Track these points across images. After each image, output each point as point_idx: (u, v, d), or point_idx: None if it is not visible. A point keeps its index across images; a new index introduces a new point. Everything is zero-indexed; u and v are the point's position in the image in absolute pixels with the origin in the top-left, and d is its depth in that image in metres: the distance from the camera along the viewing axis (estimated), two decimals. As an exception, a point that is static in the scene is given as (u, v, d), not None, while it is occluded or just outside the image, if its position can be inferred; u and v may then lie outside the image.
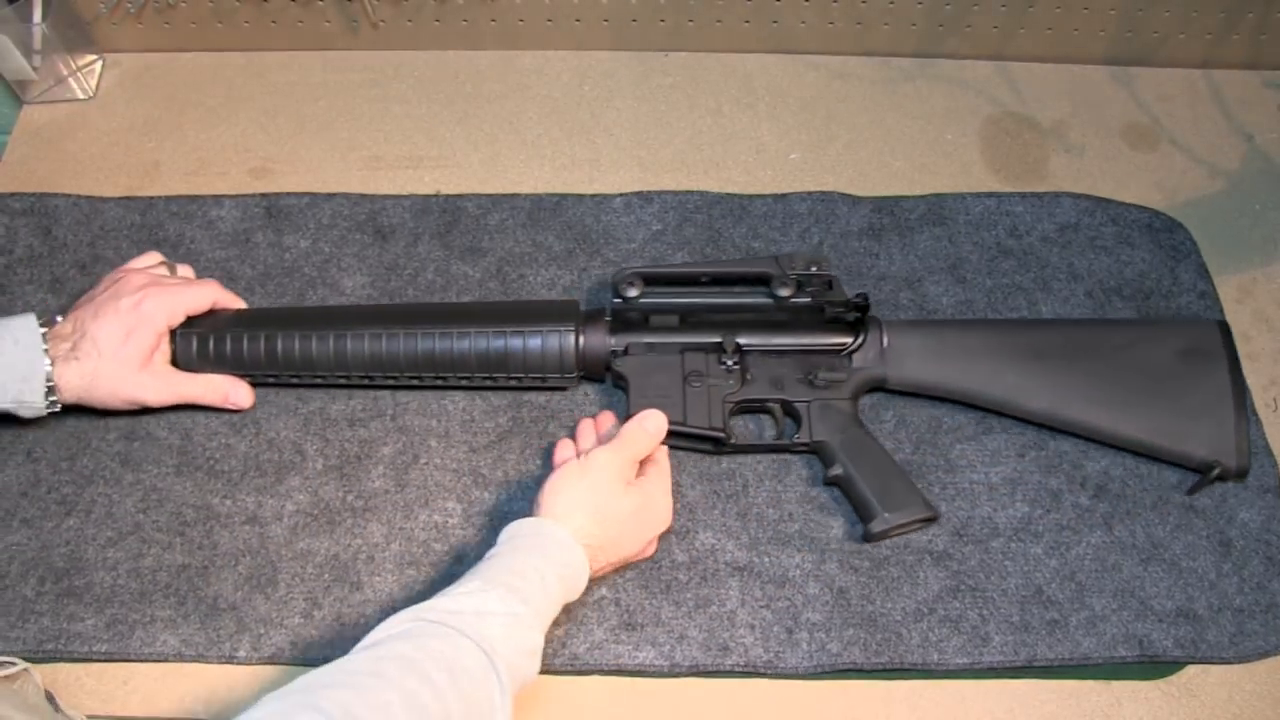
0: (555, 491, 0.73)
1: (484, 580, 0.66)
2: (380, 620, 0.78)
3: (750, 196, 0.99)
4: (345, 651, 0.75)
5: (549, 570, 0.68)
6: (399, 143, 1.04)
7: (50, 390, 0.77)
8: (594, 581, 0.75)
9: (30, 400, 0.76)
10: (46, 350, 0.76)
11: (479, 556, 0.80)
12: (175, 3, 1.04)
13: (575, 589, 0.70)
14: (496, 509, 0.82)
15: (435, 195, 0.98)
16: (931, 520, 0.81)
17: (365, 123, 1.05)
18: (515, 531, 0.71)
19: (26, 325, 0.76)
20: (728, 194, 0.99)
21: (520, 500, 0.83)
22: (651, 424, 0.78)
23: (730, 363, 0.82)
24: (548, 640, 0.77)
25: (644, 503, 0.74)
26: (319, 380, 0.84)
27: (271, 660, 0.77)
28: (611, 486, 0.73)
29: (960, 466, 0.85)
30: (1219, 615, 0.79)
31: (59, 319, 0.79)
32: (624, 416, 0.81)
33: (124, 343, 0.78)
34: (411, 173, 1.02)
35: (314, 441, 0.85)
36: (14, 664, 0.72)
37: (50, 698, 0.73)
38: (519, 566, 0.68)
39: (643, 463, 0.78)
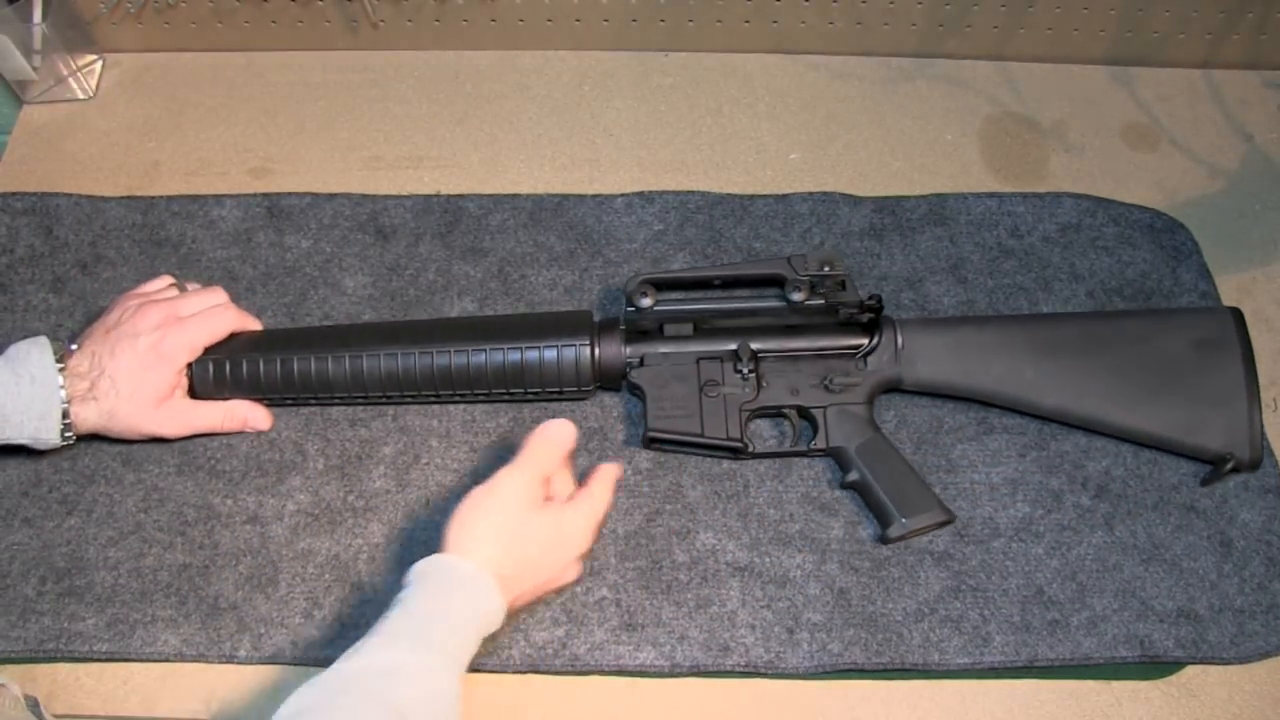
0: (460, 523, 0.69)
1: (389, 634, 0.63)
2: (374, 616, 0.78)
3: (751, 197, 0.99)
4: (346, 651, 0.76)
5: (459, 609, 0.65)
6: (399, 143, 1.04)
7: (67, 428, 0.76)
8: (516, 612, 0.73)
9: (46, 438, 0.76)
10: (64, 388, 0.75)
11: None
12: (175, 3, 1.04)
13: (490, 623, 0.67)
14: (497, 509, 0.82)
15: (436, 195, 0.99)
16: (948, 523, 0.81)
17: (365, 123, 1.05)
18: (421, 571, 0.67)
19: (43, 362, 0.75)
20: (729, 194, 0.99)
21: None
22: (555, 432, 0.74)
23: (746, 370, 0.82)
24: (548, 640, 0.77)
25: (557, 524, 0.71)
26: (337, 400, 0.85)
27: (272, 660, 0.77)
28: (519, 508, 0.70)
29: (961, 467, 0.85)
30: (1220, 616, 0.79)
31: (72, 347, 0.78)
32: (644, 428, 0.82)
33: (143, 382, 0.78)
34: (411, 173, 1.02)
35: (315, 441, 0.85)
36: None
37: (34, 704, 0.73)
38: (426, 609, 0.64)
39: (581, 489, 0.74)
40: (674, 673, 0.77)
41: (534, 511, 0.70)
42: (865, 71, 1.10)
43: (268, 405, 0.85)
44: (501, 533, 0.69)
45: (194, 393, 0.83)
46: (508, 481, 0.70)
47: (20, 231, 0.95)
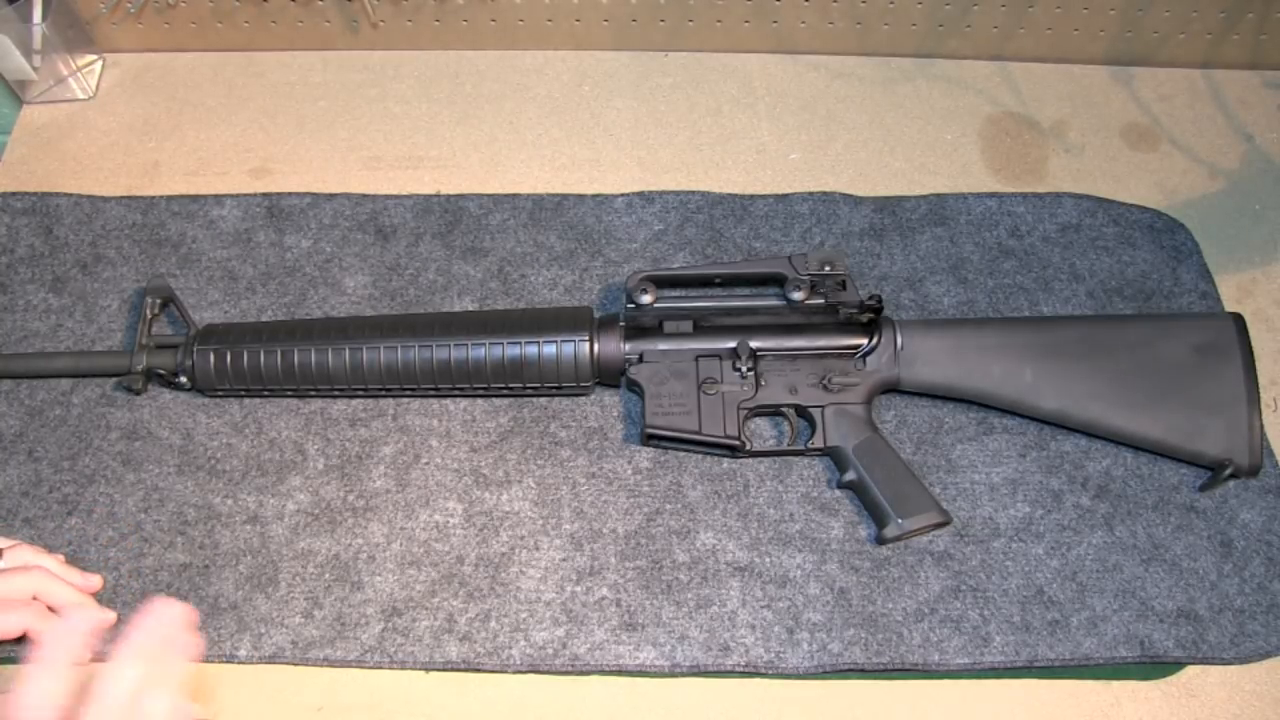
0: None
1: None
2: (379, 618, 0.78)
3: (751, 197, 0.99)
4: (345, 651, 0.76)
5: None
6: (399, 143, 1.04)
7: None
8: None
9: None
10: None
11: (480, 557, 0.80)
12: (175, 3, 1.04)
13: None
14: (497, 509, 0.83)
15: (436, 195, 0.99)
16: (945, 525, 0.81)
17: (365, 123, 1.05)
18: None
19: None
20: (729, 194, 0.99)
21: (521, 500, 0.83)
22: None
23: (745, 368, 0.82)
24: (548, 640, 0.77)
25: None
26: (337, 393, 0.85)
27: (272, 660, 0.77)
28: None
29: (961, 467, 0.85)
30: (1220, 616, 0.79)
31: None
32: (642, 424, 0.82)
33: None
34: (411, 173, 1.02)
35: (315, 441, 0.85)
36: None
37: None
38: None
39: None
40: (674, 673, 0.77)
41: None
42: (865, 71, 1.10)
43: (268, 396, 0.86)
44: None
45: (196, 385, 0.83)
46: None
47: (20, 231, 0.95)
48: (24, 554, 0.75)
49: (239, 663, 0.77)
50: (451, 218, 0.97)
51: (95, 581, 0.78)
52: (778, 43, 1.10)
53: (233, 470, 0.84)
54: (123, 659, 0.55)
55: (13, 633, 0.70)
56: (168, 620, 0.57)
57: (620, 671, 0.77)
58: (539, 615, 0.78)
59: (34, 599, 0.72)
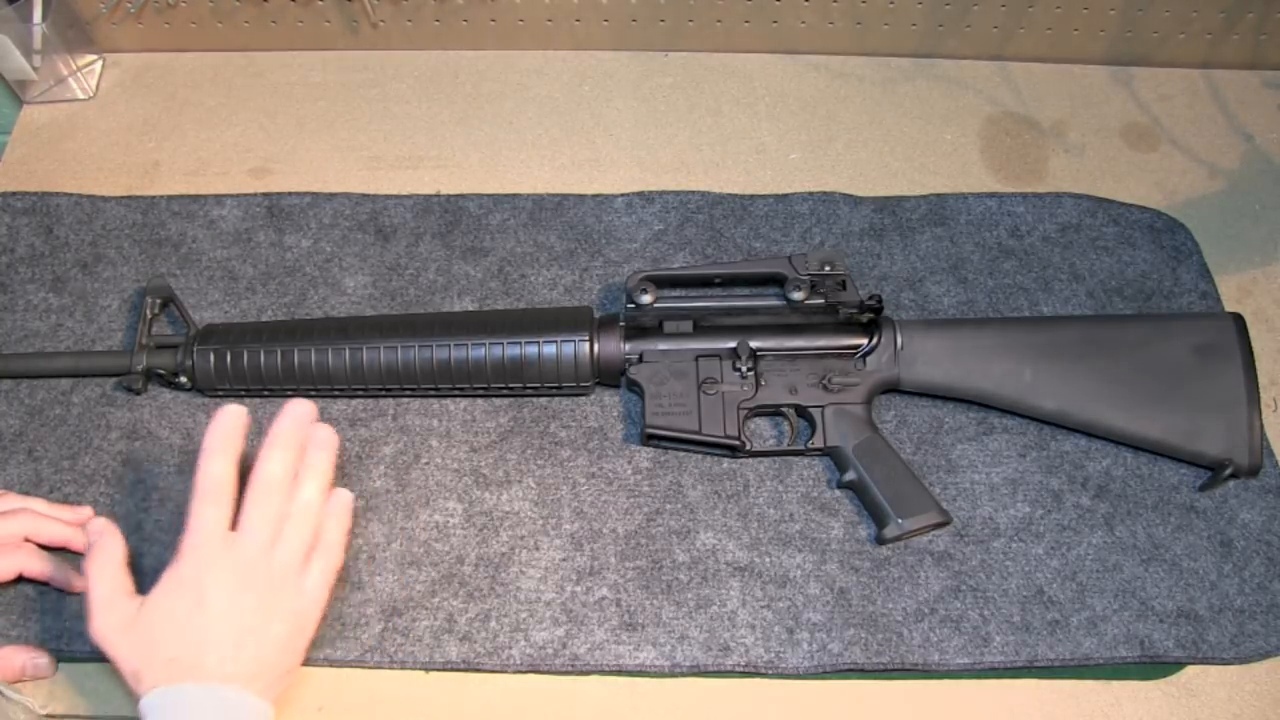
0: (180, 635, 0.60)
1: None
2: (379, 618, 0.78)
3: (751, 197, 0.99)
4: (345, 651, 0.76)
5: None
6: (399, 143, 1.04)
7: None
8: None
9: None
10: None
11: (480, 557, 0.80)
12: (175, 3, 1.04)
13: None
14: (497, 509, 0.83)
15: (436, 195, 0.99)
16: (944, 525, 0.81)
17: (365, 123, 1.05)
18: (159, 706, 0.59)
19: None
20: (729, 194, 0.99)
21: (521, 500, 0.83)
22: (215, 452, 0.64)
23: (745, 368, 0.82)
24: (548, 640, 0.77)
25: (297, 591, 0.65)
26: (337, 393, 0.85)
27: (272, 660, 0.77)
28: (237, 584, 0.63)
29: (961, 467, 0.85)
30: (1220, 616, 0.79)
31: None
32: (642, 424, 0.82)
33: None
34: (411, 173, 1.02)
35: (315, 441, 0.85)
36: None
37: None
38: None
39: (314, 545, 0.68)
40: (674, 673, 0.77)
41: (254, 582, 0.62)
42: (865, 71, 1.10)
43: (268, 396, 0.86)
44: (233, 626, 0.61)
45: (196, 385, 0.83)
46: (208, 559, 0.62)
47: (20, 231, 0.95)
48: (10, 500, 0.77)
49: (239, 663, 0.77)
50: (451, 218, 0.97)
51: (86, 511, 0.79)
52: (778, 43, 1.10)
53: (233, 470, 0.84)
54: (269, 448, 0.64)
55: (8, 575, 0.73)
56: (300, 416, 0.66)
57: (620, 671, 0.77)
58: (539, 615, 0.78)
59: (25, 540, 0.75)
